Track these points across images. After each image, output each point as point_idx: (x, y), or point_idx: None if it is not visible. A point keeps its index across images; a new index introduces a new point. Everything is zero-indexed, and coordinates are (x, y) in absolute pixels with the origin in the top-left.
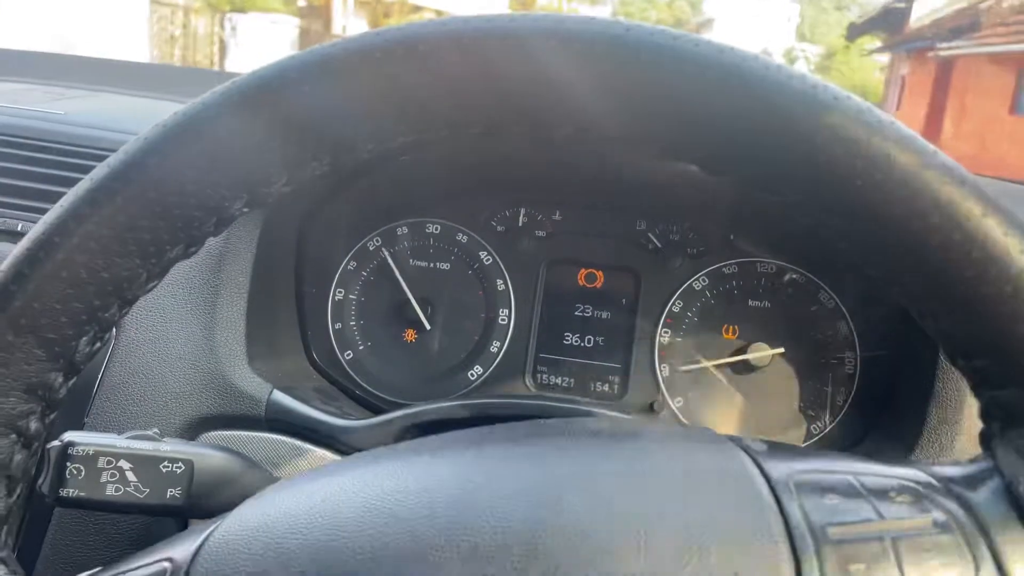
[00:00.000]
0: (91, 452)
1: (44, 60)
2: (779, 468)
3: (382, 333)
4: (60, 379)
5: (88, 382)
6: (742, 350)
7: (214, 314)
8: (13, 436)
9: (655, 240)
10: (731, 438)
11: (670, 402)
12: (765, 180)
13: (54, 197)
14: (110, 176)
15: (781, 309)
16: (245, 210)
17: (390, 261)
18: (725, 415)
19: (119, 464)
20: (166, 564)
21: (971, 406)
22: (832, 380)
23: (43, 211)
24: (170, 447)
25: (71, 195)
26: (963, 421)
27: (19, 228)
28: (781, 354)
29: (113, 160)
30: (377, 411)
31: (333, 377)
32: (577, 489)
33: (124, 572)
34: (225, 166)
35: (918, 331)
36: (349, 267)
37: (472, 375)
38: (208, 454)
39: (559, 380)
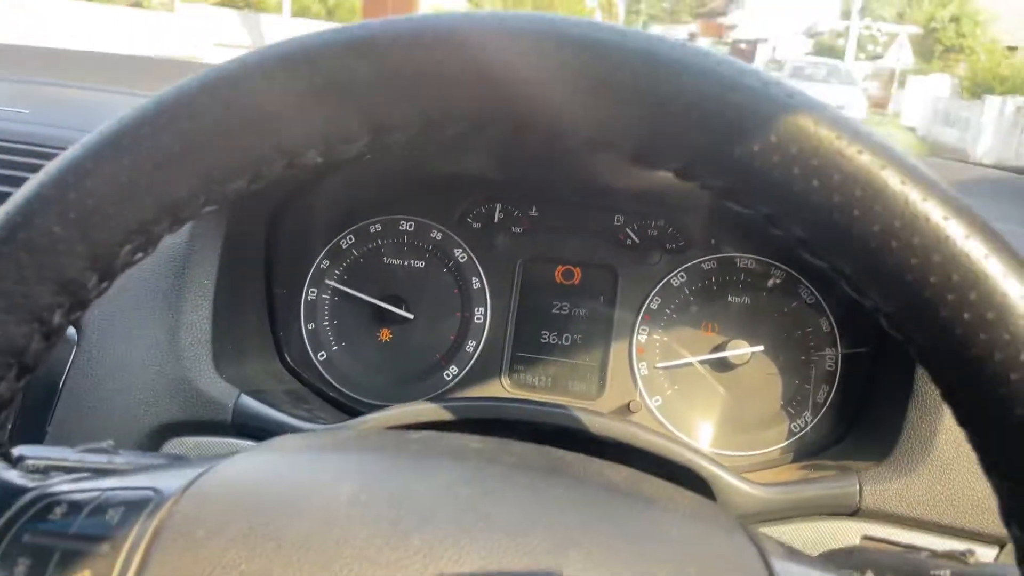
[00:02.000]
0: (41, 467)
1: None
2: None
3: (356, 333)
4: (94, 279)
5: (50, 390)
6: (721, 347)
7: (178, 318)
8: (36, 325)
9: (633, 236)
10: (749, 533)
11: (647, 401)
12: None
13: None
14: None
15: (762, 305)
16: (319, 159)
17: (363, 260)
18: (704, 413)
19: None
20: (150, 494)
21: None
22: (813, 377)
23: None
24: (123, 460)
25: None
26: (942, 421)
27: None
28: (761, 351)
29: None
30: (351, 413)
31: (306, 379)
32: (578, 552)
33: (109, 489)
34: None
35: None
36: (322, 266)
37: (448, 375)
38: (163, 465)
39: (536, 379)
